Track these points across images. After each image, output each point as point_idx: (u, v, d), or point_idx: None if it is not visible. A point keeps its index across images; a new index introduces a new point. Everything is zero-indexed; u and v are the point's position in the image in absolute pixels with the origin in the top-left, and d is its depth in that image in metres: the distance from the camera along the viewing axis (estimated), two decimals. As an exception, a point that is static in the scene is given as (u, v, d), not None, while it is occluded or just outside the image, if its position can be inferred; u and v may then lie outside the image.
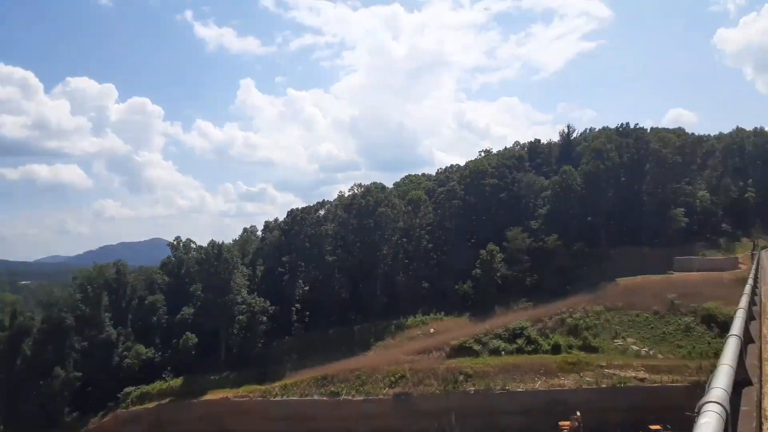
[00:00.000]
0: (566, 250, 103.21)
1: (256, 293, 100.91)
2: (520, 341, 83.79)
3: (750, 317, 14.44)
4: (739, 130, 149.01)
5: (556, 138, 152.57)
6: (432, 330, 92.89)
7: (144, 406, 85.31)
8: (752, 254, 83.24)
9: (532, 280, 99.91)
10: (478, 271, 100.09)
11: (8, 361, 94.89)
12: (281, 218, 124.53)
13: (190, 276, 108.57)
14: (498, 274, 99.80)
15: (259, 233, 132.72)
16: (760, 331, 14.96)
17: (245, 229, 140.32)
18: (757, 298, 20.45)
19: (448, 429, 74.16)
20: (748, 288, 17.88)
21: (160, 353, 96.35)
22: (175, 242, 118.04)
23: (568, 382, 74.28)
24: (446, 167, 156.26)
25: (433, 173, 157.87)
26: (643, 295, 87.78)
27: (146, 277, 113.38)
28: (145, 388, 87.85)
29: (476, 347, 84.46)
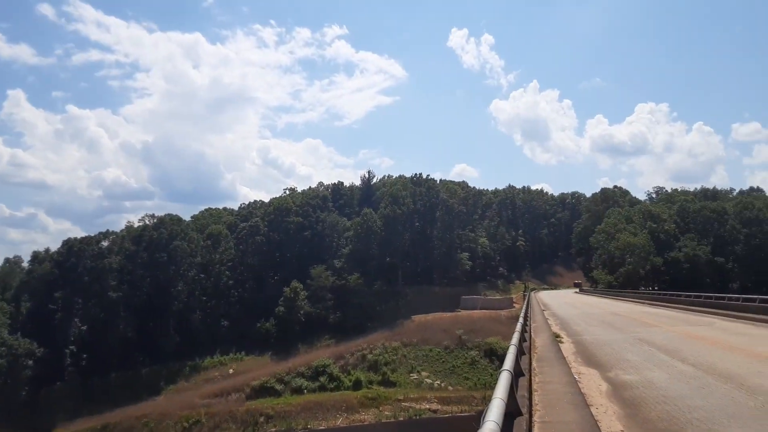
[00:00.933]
0: (367, 288, 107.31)
1: (19, 333, 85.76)
2: (322, 379, 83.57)
3: (521, 352, 16.34)
4: (510, 188, 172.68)
5: (357, 182, 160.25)
6: (231, 371, 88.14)
7: None
8: (524, 295, 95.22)
9: (335, 317, 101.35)
10: (282, 308, 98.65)
11: None
12: (54, 248, 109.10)
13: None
14: (302, 312, 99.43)
15: (25, 264, 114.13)
16: (530, 364, 16.86)
17: (7, 260, 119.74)
18: (527, 335, 23.12)
19: (246, 475, 70.03)
20: (519, 326, 20.20)
21: None
22: None
23: (368, 417, 75.62)
24: (250, 202, 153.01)
25: (236, 208, 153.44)
26: (435, 331, 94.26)
27: None
28: None
29: (278, 387, 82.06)
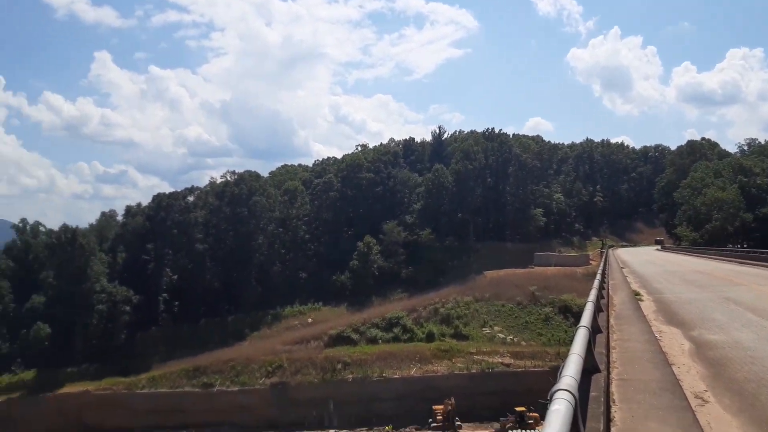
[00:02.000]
0: (438, 243, 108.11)
1: (117, 282, 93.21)
2: (396, 330, 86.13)
3: (598, 309, 16.11)
4: (588, 141, 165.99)
5: (428, 137, 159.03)
6: (310, 320, 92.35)
7: (-9, 400, 75.50)
8: (601, 252, 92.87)
9: (408, 272, 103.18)
10: (356, 262, 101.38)
11: None
12: (145, 203, 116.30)
13: (39, 262, 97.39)
14: (375, 266, 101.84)
15: (120, 218, 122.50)
16: (608, 322, 16.67)
17: (103, 213, 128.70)
18: (604, 292, 22.80)
19: (326, 417, 74.20)
20: (596, 283, 19.91)
21: (7, 344, 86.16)
22: (20, 224, 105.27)
23: (441, 368, 77.65)
24: (323, 159, 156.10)
25: (310, 164, 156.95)
26: (507, 287, 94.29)
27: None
28: (-9, 381, 77.92)
29: (354, 336, 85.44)
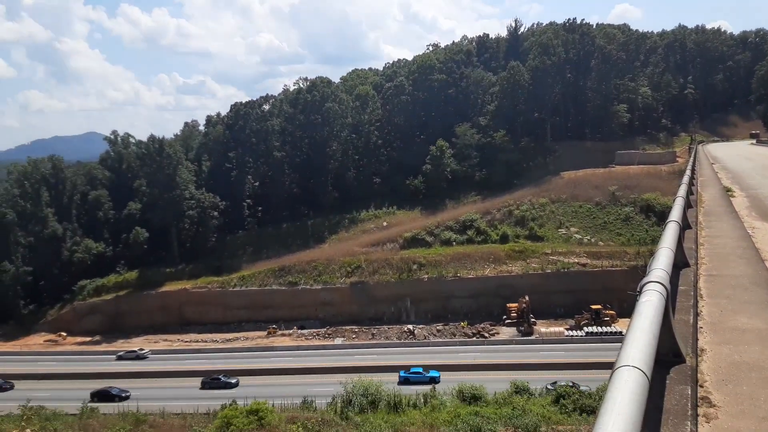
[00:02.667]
0: (513, 145, 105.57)
1: (204, 189, 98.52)
2: (470, 232, 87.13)
3: (687, 205, 15.30)
4: (681, 28, 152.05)
5: (503, 33, 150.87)
6: (385, 223, 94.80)
7: (101, 297, 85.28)
8: (690, 148, 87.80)
9: (481, 175, 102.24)
10: (429, 166, 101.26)
11: None
12: (224, 112, 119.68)
13: (132, 171, 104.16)
14: (448, 169, 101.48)
15: (202, 128, 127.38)
16: (697, 217, 15.91)
17: (186, 124, 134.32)
18: (693, 188, 21.68)
19: (403, 313, 78.11)
20: (685, 178, 18.88)
21: (110, 248, 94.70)
22: (112, 136, 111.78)
23: (515, 268, 78.65)
24: (394, 61, 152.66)
25: (381, 67, 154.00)
26: (585, 187, 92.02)
27: (85, 172, 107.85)
28: (100, 281, 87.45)
29: (428, 239, 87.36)
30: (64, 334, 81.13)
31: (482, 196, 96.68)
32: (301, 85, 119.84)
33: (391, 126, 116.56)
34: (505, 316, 72.04)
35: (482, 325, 71.71)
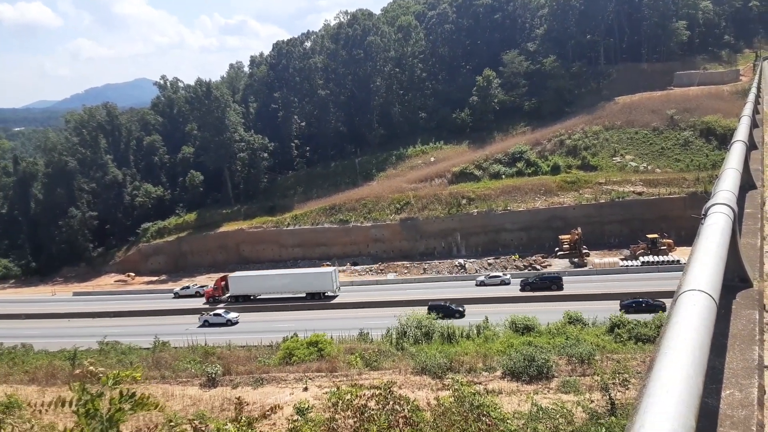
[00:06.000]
0: (564, 70, 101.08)
1: (252, 130, 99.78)
2: (519, 164, 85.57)
3: (754, 125, 14.29)
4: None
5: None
6: (432, 158, 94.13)
7: (164, 239, 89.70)
8: (755, 65, 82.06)
9: (530, 104, 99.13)
10: (475, 98, 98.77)
11: (22, 204, 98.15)
12: (266, 52, 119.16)
13: (183, 115, 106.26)
14: (495, 100, 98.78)
15: (246, 69, 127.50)
16: (763, 138, 14.95)
17: (231, 66, 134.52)
18: (759, 107, 20.26)
19: (454, 248, 78.74)
20: (751, 96, 17.57)
21: (168, 191, 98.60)
22: (162, 81, 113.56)
23: (567, 199, 77.35)
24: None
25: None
26: (641, 112, 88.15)
27: (139, 118, 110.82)
28: (161, 223, 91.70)
29: (477, 173, 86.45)
30: (133, 274, 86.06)
31: (531, 127, 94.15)
32: (342, 19, 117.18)
33: (435, 57, 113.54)
34: (557, 248, 71.58)
35: (534, 258, 71.66)
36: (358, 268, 77.38)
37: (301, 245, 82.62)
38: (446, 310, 54.00)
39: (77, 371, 4.71)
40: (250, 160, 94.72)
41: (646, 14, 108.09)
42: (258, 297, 68.81)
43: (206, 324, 59.92)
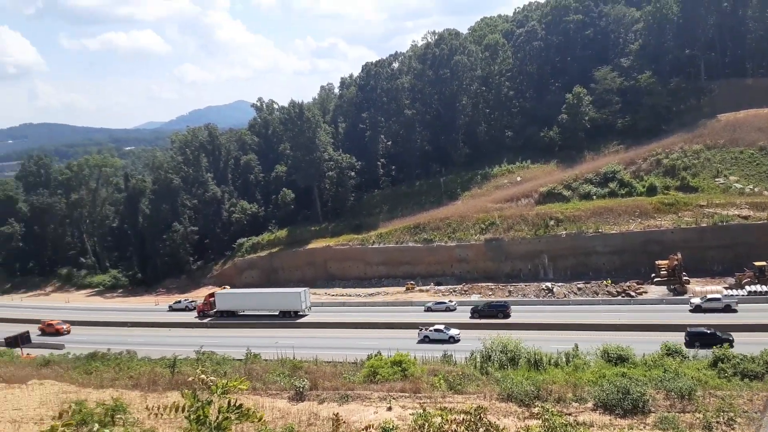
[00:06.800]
0: (661, 87, 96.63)
1: (341, 150, 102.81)
2: (612, 185, 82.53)
3: None
4: None
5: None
6: (519, 178, 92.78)
7: (257, 254, 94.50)
8: None
9: (624, 122, 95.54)
10: (565, 116, 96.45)
11: (132, 218, 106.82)
12: (355, 73, 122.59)
13: (277, 135, 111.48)
14: (586, 118, 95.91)
15: (336, 90, 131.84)
16: None
17: (322, 87, 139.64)
18: None
19: (540, 270, 76.87)
20: None
21: (262, 208, 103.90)
22: (258, 103, 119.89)
23: (664, 222, 73.67)
24: (524, 6, 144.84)
25: (510, 13, 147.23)
26: (747, 130, 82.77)
27: (237, 138, 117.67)
28: (255, 238, 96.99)
29: (566, 193, 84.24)
30: (228, 287, 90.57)
31: (625, 145, 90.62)
32: (429, 40, 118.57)
33: (523, 75, 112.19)
34: (653, 274, 68.15)
35: (628, 284, 68.50)
36: (441, 288, 77.29)
37: (385, 263, 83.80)
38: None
39: (190, 378, 5.18)
40: (338, 179, 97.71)
41: (750, 27, 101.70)
42: (240, 313, 75.75)
43: (426, 340, 57.61)
